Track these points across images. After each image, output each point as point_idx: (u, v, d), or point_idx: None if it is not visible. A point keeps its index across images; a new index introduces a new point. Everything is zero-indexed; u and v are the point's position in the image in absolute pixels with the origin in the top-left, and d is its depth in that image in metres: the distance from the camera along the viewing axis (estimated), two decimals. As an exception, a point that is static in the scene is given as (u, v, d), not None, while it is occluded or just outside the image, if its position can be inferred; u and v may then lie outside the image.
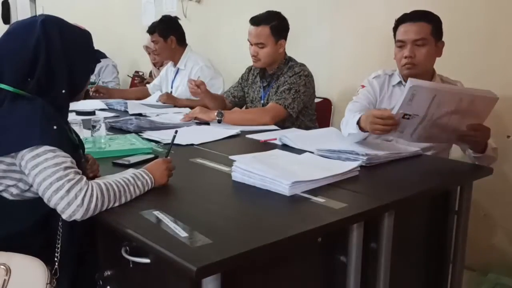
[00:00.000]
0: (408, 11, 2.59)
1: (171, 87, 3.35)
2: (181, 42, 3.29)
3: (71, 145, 1.32)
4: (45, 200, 1.20)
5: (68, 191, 1.17)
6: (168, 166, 1.44)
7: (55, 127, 1.24)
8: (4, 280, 1.19)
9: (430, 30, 2.00)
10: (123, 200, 1.28)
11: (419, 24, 2.00)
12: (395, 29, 2.08)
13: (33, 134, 1.21)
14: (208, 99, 2.78)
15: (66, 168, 1.20)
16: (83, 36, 1.42)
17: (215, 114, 2.40)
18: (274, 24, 2.53)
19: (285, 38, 2.59)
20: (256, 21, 2.55)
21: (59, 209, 1.18)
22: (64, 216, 1.18)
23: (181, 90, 3.25)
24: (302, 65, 2.60)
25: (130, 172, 1.37)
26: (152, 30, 3.27)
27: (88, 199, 1.18)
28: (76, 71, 1.36)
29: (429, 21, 2.01)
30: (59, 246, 1.32)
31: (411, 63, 1.99)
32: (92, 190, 1.20)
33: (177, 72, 3.31)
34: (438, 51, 2.05)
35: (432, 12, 2.06)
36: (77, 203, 1.17)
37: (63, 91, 1.33)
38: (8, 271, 1.20)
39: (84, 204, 1.18)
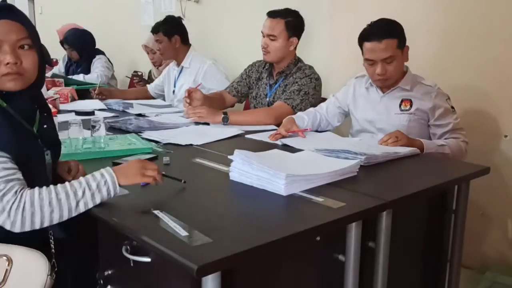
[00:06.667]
0: (406, 11, 2.60)
1: (174, 86, 3.37)
2: (185, 41, 3.31)
3: (24, 138, 1.25)
4: None
5: None
6: (143, 165, 1.32)
7: None
8: (6, 270, 1.21)
9: (396, 44, 2.00)
10: (72, 206, 1.18)
11: (385, 42, 1.98)
12: (360, 45, 2.08)
13: None
14: (207, 104, 2.64)
15: None
16: None
17: (221, 118, 2.39)
18: (290, 20, 2.55)
19: (298, 38, 2.60)
20: (273, 13, 2.57)
21: None
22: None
23: (185, 88, 3.26)
24: (311, 67, 2.61)
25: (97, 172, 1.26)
26: (156, 29, 3.28)
27: (14, 211, 1.13)
28: None
29: (394, 36, 2.00)
30: (52, 242, 1.33)
31: (383, 79, 2.06)
32: (20, 202, 1.14)
33: (180, 71, 3.32)
34: (405, 57, 2.08)
35: (394, 23, 2.05)
36: (5, 216, 1.13)
37: None
38: (9, 261, 1.22)
39: (11, 217, 1.13)
